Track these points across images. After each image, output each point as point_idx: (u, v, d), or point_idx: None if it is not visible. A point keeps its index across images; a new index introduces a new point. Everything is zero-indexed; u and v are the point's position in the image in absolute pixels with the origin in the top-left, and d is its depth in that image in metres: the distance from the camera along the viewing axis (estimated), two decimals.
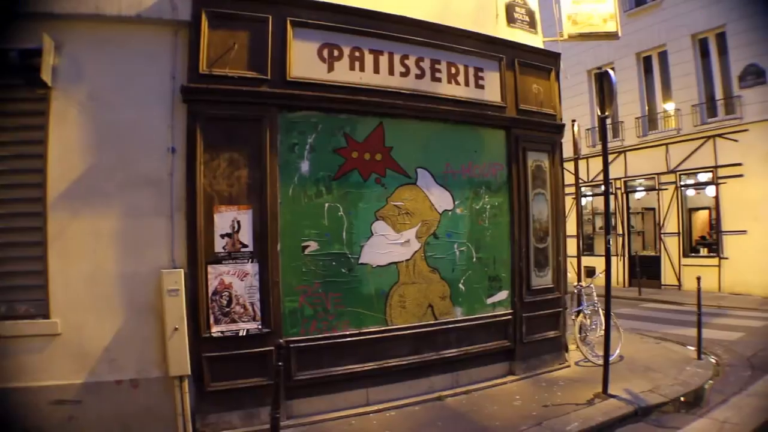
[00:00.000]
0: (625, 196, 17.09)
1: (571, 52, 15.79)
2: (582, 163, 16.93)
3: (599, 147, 17.46)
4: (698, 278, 7.49)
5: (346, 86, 5.41)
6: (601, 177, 16.85)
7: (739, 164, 13.74)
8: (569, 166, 14.15)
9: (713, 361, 7.26)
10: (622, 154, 16.96)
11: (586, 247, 18.04)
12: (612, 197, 17.13)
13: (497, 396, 5.76)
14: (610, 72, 5.90)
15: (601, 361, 6.13)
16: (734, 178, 13.83)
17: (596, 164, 17.39)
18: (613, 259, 16.63)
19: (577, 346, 7.14)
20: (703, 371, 6.68)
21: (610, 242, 6.09)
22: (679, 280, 15.05)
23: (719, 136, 14.15)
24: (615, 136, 17.13)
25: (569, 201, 17.97)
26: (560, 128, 7.00)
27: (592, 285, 7.49)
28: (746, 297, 13.05)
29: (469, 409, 5.35)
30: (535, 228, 6.62)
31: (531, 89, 6.79)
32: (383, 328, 5.51)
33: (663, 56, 16.22)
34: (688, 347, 7.88)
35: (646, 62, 16.89)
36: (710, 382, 6.38)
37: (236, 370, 4.70)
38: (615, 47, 16.36)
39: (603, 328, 6.46)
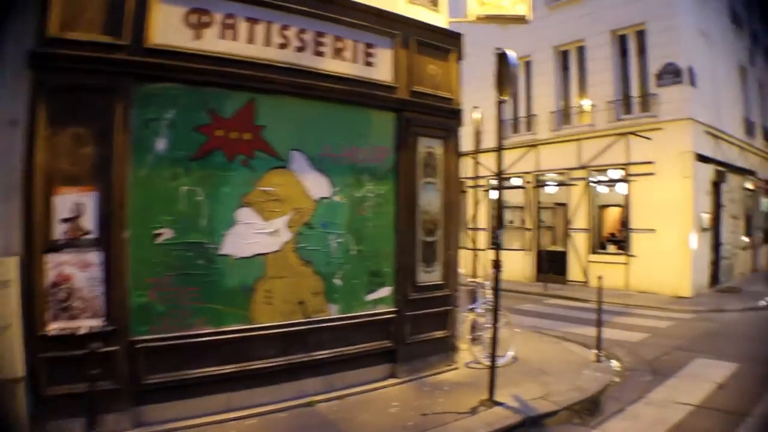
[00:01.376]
0: (536, 190, 19.11)
1: (488, 44, 17.55)
2: (493, 155, 18.51)
3: (513, 139, 19.47)
4: (599, 278, 8.64)
5: (215, 57, 5.81)
6: (514, 170, 18.73)
7: (651, 163, 15.89)
8: (485, 157, 15.41)
9: (613, 364, 8.29)
10: (535, 148, 19.18)
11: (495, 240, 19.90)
12: (523, 191, 19.40)
13: (374, 402, 6.36)
14: (509, 53, 6.61)
15: (496, 363, 6.85)
16: (646, 177, 16.08)
17: (511, 157, 19.38)
18: (522, 254, 18.96)
19: (468, 347, 7.97)
20: (601, 375, 7.54)
21: (499, 237, 6.94)
22: (586, 276, 16.86)
23: (633, 133, 16.30)
24: (528, 130, 19.63)
25: (481, 194, 19.80)
26: (457, 113, 7.84)
27: (487, 282, 8.32)
28: (654, 296, 15.18)
29: (341, 416, 5.90)
30: (424, 220, 7.44)
31: (427, 70, 7.58)
32: (247, 327, 6.04)
33: (581, 51, 18.57)
34: (588, 348, 8.91)
35: (564, 56, 19.26)
36: (609, 387, 7.21)
37: (77, 373, 4.89)
38: (533, 40, 18.96)
39: (494, 326, 7.25)
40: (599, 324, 8.66)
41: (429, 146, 7.54)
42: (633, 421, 6.06)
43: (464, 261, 7.10)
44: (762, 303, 14.56)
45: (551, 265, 18.28)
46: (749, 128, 21.49)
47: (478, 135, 10.82)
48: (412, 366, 7.23)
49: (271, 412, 5.91)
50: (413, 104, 7.34)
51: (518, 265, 19.38)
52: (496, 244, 6.93)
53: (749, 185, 21.02)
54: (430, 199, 7.53)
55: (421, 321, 7.34)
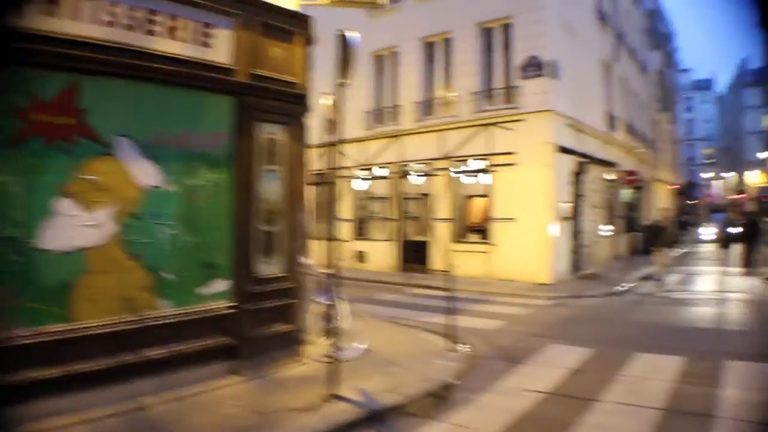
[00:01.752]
0: (401, 180, 20.03)
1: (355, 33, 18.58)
2: (357, 146, 19.23)
3: (378, 129, 20.23)
4: (450, 267, 9.07)
5: (33, 34, 5.61)
6: (379, 160, 19.44)
7: (514, 153, 17.03)
8: (349, 147, 15.77)
9: (467, 353, 8.66)
10: (400, 138, 20.02)
11: (360, 231, 21.40)
12: (387, 182, 19.94)
13: (212, 402, 6.36)
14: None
15: (344, 356, 7.15)
16: (508, 167, 17.25)
17: (376, 147, 20.37)
18: (387, 245, 19.66)
19: (319, 340, 8.18)
20: (453, 365, 7.91)
21: (335, 228, 7.13)
22: (448, 266, 17.84)
23: (495, 124, 17.42)
24: (393, 120, 20.54)
25: (343, 185, 20.39)
26: (301, 98, 8.00)
27: (336, 273, 8.53)
28: (515, 284, 16.28)
29: (173, 419, 5.87)
30: (265, 209, 7.56)
31: (271, 53, 7.70)
32: (70, 327, 5.90)
33: (448, 43, 19.57)
34: (444, 338, 9.31)
35: (431, 48, 20.25)
36: (460, 377, 7.56)
37: None
38: (401, 31, 20.16)
39: (348, 319, 7.50)
40: (453, 312, 9.13)
41: (271, 132, 7.66)
42: (479, 411, 6.38)
43: (322, 252, 7.18)
44: (619, 288, 15.93)
45: (415, 255, 19.24)
46: (611, 122, 23.36)
47: (332, 123, 10.98)
48: (256, 363, 7.33)
49: (102, 418, 5.79)
50: (253, 88, 7.43)
51: (383, 255, 20.11)
52: (332, 236, 7.21)
53: (610, 176, 22.77)
54: (271, 188, 7.66)
55: (263, 315, 7.45)
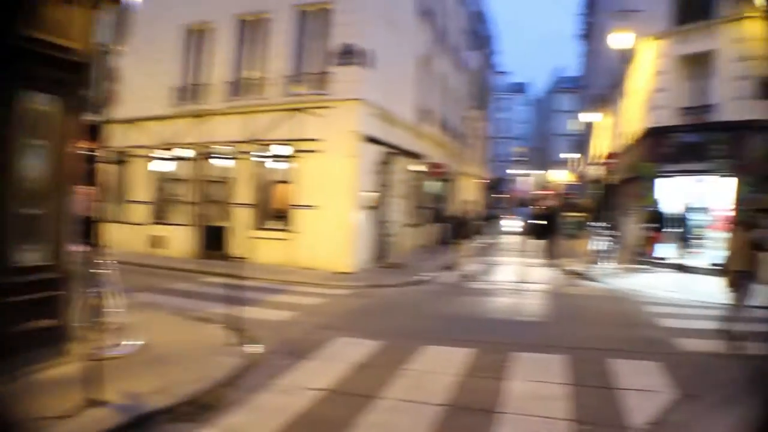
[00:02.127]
0: (204, 162, 19.60)
1: (166, 5, 18.57)
2: (160, 124, 18.39)
3: (182, 108, 19.56)
4: (249, 254, 8.64)
5: None
6: (182, 140, 18.70)
7: (320, 140, 17.08)
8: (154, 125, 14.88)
9: (252, 347, 8.27)
10: (207, 118, 19.28)
11: (159, 214, 20.52)
12: (190, 163, 19.69)
13: None
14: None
15: (115, 354, 6.71)
16: (314, 154, 17.18)
17: (178, 126, 19.39)
18: (187, 230, 18.98)
19: (91, 336, 7.44)
20: (234, 361, 7.57)
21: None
22: (248, 253, 17.58)
23: (305, 110, 17.27)
24: (199, 99, 19.85)
25: (142, 164, 19.36)
26: (80, 67, 7.18)
27: (115, 261, 7.86)
28: (316, 272, 16.30)
29: None
30: (27, 190, 6.67)
31: (44, 13, 6.87)
32: None
33: (264, 23, 19.11)
34: (229, 331, 8.80)
35: (246, 27, 19.70)
36: (240, 373, 7.27)
37: None
38: (215, 6, 19.55)
39: (124, 311, 6.86)
40: (242, 303, 8.84)
41: (39, 103, 6.80)
42: (253, 413, 6.13)
43: (108, 236, 6.47)
44: (419, 278, 16.46)
45: (215, 242, 18.60)
46: (423, 115, 23.97)
47: (110, 95, 10.12)
48: (12, 363, 6.48)
49: None
50: (17, 50, 6.52)
51: (183, 241, 19.38)
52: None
53: (418, 168, 23.40)
54: (34, 165, 6.88)
55: (20, 310, 6.63)
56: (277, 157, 18.15)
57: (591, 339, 9.98)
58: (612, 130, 32.04)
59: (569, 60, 78.65)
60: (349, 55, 16.88)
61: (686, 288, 15.89)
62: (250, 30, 19.41)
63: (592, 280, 17.92)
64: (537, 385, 7.25)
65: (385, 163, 19.32)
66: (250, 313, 9.07)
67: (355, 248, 17.10)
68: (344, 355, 8.31)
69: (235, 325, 8.80)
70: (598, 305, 13.70)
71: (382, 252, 19.31)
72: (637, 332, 10.71)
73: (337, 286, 14.82)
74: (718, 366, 8.37)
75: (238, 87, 19.19)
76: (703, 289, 15.00)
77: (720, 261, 10.89)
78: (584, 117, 40.92)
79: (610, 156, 22.45)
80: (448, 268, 18.67)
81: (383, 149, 19.00)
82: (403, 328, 10.48)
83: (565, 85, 78.68)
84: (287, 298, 12.83)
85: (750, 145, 18.63)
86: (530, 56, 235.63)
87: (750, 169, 18.63)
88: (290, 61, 18.33)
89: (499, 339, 9.68)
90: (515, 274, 18.33)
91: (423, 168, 24.00)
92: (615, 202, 28.04)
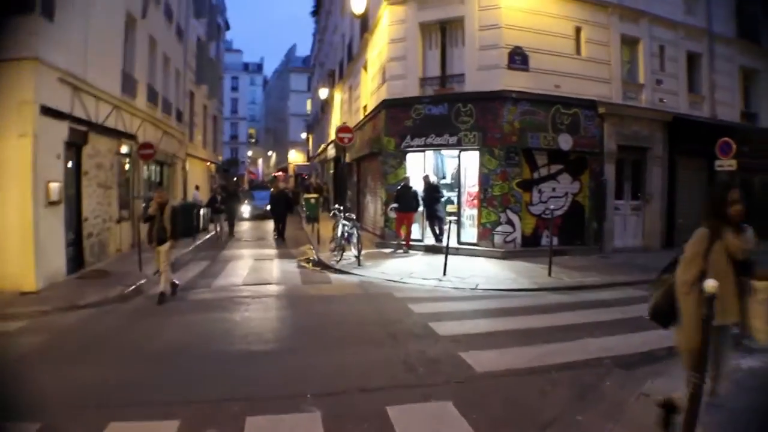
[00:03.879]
0: None
1: None
2: None
3: None
4: None
5: None
6: None
7: None
8: None
9: None
10: None
11: None
12: None
13: None
14: None
15: None
16: None
17: None
18: None
19: None
20: None
21: None
22: None
23: None
24: None
25: None
26: None
27: None
28: None
29: None
30: None
31: None
32: None
33: None
34: None
35: None
36: None
37: None
38: None
39: None
40: None
41: None
42: None
43: None
44: (125, 290, 12.70)
45: None
46: (130, 86, 19.59)
47: None
48: None
49: None
50: None
51: None
52: None
53: (125, 149, 19.05)
54: None
55: None
56: None
57: (348, 372, 7.32)
58: (350, 104, 30.45)
59: (308, 40, 77.79)
60: None
61: (451, 273, 14.31)
62: None
63: (339, 271, 15.60)
64: None
65: (76, 145, 14.92)
66: None
67: (40, 257, 12.63)
68: None
69: None
70: (349, 310, 11.14)
71: (79, 257, 15.07)
72: (411, 348, 8.28)
73: (9, 315, 10.50)
74: (528, 393, 6.46)
75: None
76: (467, 270, 13.52)
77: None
78: (321, 94, 39.09)
79: (343, 130, 20.20)
80: (158, 272, 14.49)
81: (73, 126, 14.52)
82: (84, 390, 6.64)
83: (299, 65, 77.36)
84: None
85: (498, 117, 17.70)
86: (269, 38, 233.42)
87: (499, 141, 17.73)
88: None
89: (219, 391, 6.59)
90: (247, 274, 15.44)
91: (130, 149, 19.52)
92: (358, 181, 26.41)
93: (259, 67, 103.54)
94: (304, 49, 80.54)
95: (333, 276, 15.16)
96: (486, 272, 14.93)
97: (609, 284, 13.78)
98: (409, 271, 14.95)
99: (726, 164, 16.83)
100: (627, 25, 20.37)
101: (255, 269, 16.13)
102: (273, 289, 13.28)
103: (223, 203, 24.95)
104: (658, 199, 20.76)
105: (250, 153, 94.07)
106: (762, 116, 24.55)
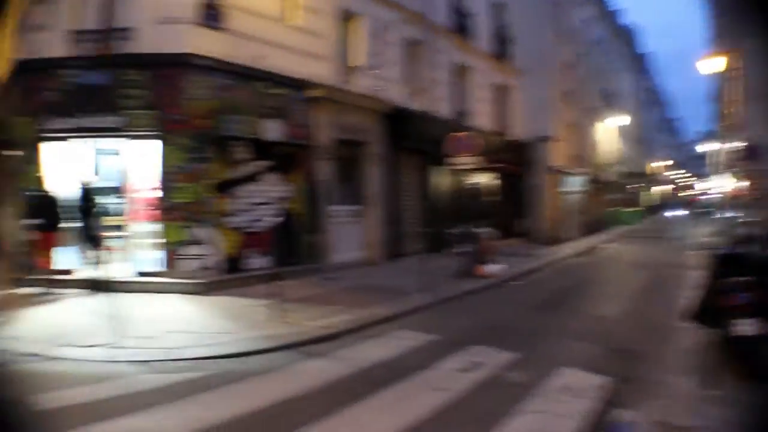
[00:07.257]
0: None
1: None
2: None
3: None
4: None
5: None
6: None
7: None
8: None
9: None
10: None
11: None
12: None
13: None
14: None
15: None
16: None
17: None
18: None
19: None
20: None
21: None
22: None
23: None
24: None
25: None
26: None
27: None
28: None
29: None
30: None
31: None
32: None
33: None
34: None
35: None
36: None
37: None
38: None
39: None
40: None
41: None
42: None
43: None
44: None
45: None
46: None
47: None
48: None
49: None
50: None
51: None
52: None
53: None
54: None
55: None
56: None
57: None
58: None
59: None
60: None
61: (132, 327, 8.67)
62: None
63: None
64: None
65: None
66: None
67: None
68: None
69: None
70: None
71: None
72: None
73: None
74: None
75: None
76: (156, 320, 8.60)
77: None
78: None
79: None
80: None
81: None
82: None
83: None
84: None
85: (184, 92, 12.39)
86: None
87: (184, 125, 12.47)
88: None
89: None
90: None
91: None
92: None
93: None
94: None
95: None
96: (187, 321, 9.46)
97: (370, 323, 9.88)
98: (62, 332, 8.66)
99: (461, 163, 14.32)
100: None
101: None
102: None
103: None
104: (378, 204, 17.47)
105: None
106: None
